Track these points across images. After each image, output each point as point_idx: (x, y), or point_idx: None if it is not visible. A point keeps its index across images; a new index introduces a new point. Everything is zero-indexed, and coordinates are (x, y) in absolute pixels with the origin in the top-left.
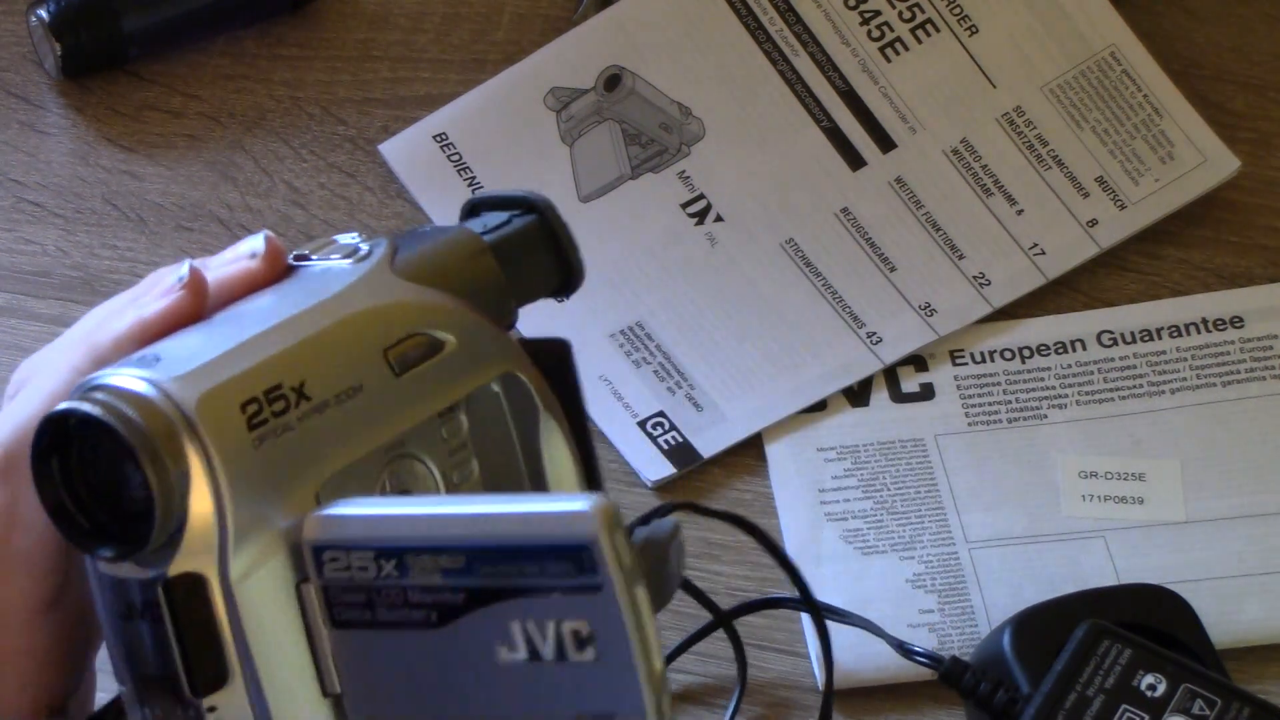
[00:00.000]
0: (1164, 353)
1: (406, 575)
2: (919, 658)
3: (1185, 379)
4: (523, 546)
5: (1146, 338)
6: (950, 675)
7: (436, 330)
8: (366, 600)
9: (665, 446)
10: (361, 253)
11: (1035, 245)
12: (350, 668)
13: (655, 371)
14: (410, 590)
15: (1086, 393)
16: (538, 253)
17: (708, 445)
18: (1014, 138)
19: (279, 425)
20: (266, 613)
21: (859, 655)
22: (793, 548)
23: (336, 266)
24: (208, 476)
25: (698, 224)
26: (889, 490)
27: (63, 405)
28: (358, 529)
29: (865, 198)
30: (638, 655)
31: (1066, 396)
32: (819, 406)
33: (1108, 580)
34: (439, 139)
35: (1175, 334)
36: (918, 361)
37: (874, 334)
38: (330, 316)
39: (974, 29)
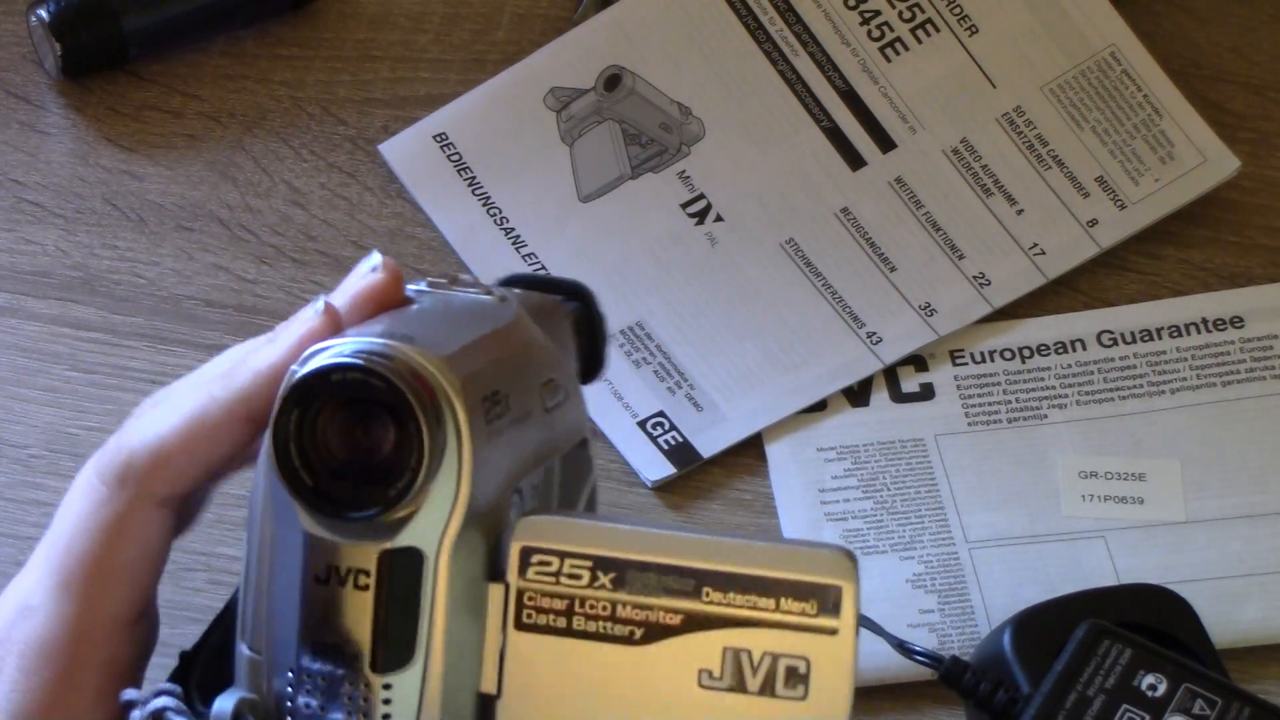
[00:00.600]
0: (1164, 353)
1: (622, 589)
2: (919, 658)
3: (1185, 379)
4: (767, 579)
5: (1146, 338)
6: (950, 675)
7: (561, 380)
8: (567, 608)
9: (665, 446)
10: (499, 294)
11: (1035, 245)
12: (518, 672)
13: (655, 371)
14: (620, 604)
15: (1086, 393)
16: (578, 337)
17: (708, 445)
18: (1014, 138)
19: (498, 427)
20: (460, 602)
21: (859, 655)
22: None
23: (484, 300)
24: (457, 457)
25: (698, 224)
26: (889, 490)
27: (342, 358)
28: (581, 536)
29: (865, 198)
30: (847, 700)
31: (1066, 396)
32: (819, 406)
33: (1108, 580)
34: (439, 139)
35: (1175, 334)
36: (918, 361)
37: (874, 334)
38: (514, 339)
39: (974, 29)
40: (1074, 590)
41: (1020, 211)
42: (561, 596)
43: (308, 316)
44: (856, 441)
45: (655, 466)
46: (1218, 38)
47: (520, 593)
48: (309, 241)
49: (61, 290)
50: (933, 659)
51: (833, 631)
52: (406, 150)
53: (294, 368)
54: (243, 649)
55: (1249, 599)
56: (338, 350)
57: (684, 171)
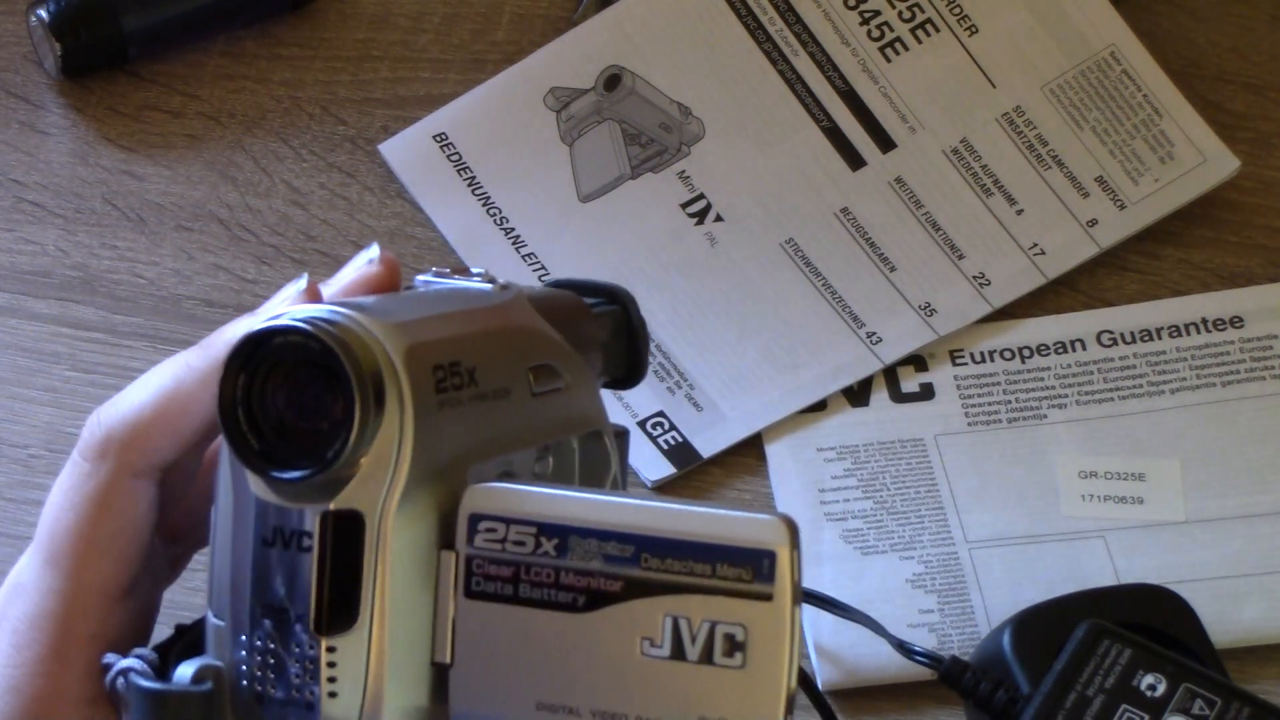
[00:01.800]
0: (1164, 353)
1: (565, 556)
2: (919, 658)
3: (1185, 379)
4: (702, 544)
5: (1146, 338)
6: (950, 675)
7: (562, 369)
8: (513, 575)
9: (665, 446)
10: (501, 283)
11: (1035, 245)
12: (468, 641)
13: (655, 371)
14: (564, 571)
15: (1086, 393)
16: (616, 341)
17: (707, 445)
18: (1014, 138)
19: (455, 398)
20: (405, 568)
21: (859, 655)
22: None
23: (480, 287)
24: (398, 422)
25: (698, 224)
26: (889, 490)
27: (285, 321)
28: (526, 504)
29: (865, 198)
30: (785, 670)
31: (1066, 396)
32: (819, 406)
33: (1108, 580)
34: (439, 139)
35: (1175, 334)
36: (918, 361)
37: (874, 334)
38: (496, 320)
39: (974, 29)
40: (1074, 590)
41: (1020, 211)
42: (508, 564)
43: (290, 294)
44: (856, 441)
45: (655, 466)
46: (1218, 38)
47: (469, 560)
48: (309, 241)
49: (61, 290)
50: (933, 659)
51: (767, 597)
52: (406, 150)
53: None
54: (210, 617)
55: (1249, 599)
56: (287, 315)
57: (684, 171)
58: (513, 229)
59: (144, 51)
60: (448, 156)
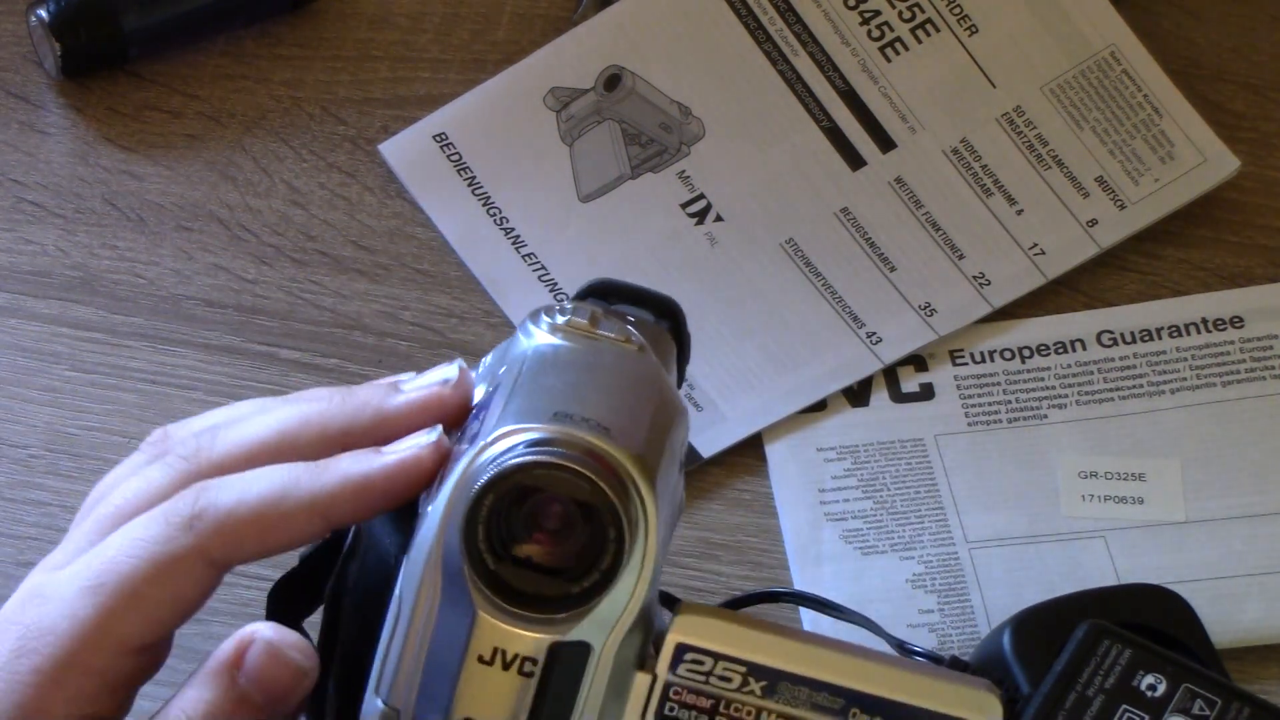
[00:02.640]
0: (1164, 353)
1: (771, 697)
2: (919, 657)
3: (1185, 379)
4: (913, 709)
5: (1146, 338)
6: None
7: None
8: (711, 708)
9: None
10: (635, 340)
11: (1035, 245)
12: None
13: None
14: (766, 712)
15: (1086, 393)
16: (665, 359)
17: (707, 445)
18: (1014, 138)
19: (665, 517)
20: (611, 690)
21: None
22: (793, 548)
23: (630, 353)
24: (642, 558)
25: (698, 224)
26: (889, 490)
27: (551, 455)
28: (740, 642)
29: (865, 198)
30: None
31: (1066, 396)
32: (819, 406)
33: (1108, 580)
34: (439, 139)
35: (1175, 334)
36: (918, 361)
37: (874, 334)
38: (668, 412)
39: (974, 29)
40: (1074, 590)
41: (1020, 211)
42: (709, 696)
43: (421, 441)
44: (856, 441)
45: None
46: (1218, 38)
47: (667, 686)
48: (309, 241)
49: (61, 290)
50: (933, 659)
51: None
52: (406, 150)
53: (495, 452)
54: (376, 701)
55: (1249, 599)
56: (540, 441)
57: (684, 171)
58: (512, 229)
59: (144, 51)
60: (448, 156)
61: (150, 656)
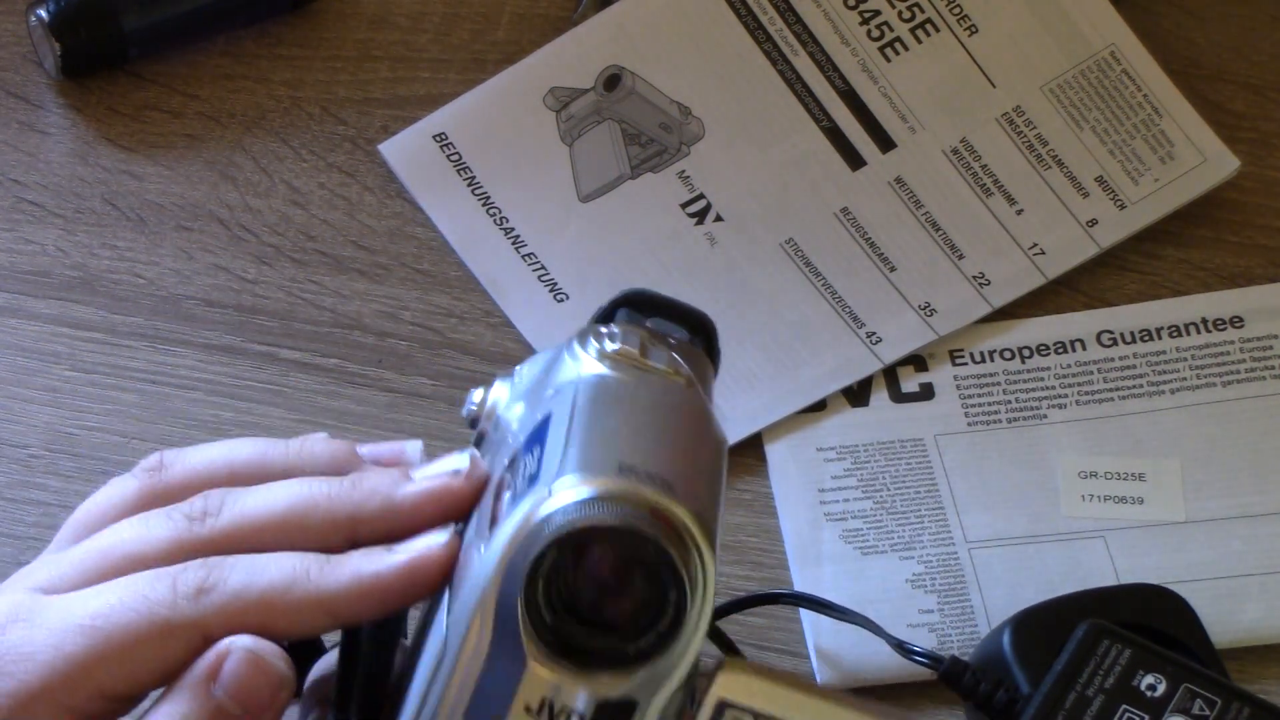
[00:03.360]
0: (1164, 353)
1: None
2: (919, 658)
3: (1185, 379)
4: None
5: (1146, 338)
6: (950, 675)
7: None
8: None
9: None
10: (683, 374)
11: (1035, 245)
12: None
13: None
14: None
15: (1086, 393)
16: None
17: None
18: (1014, 138)
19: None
20: None
21: (859, 655)
22: (792, 548)
23: (678, 387)
24: (698, 618)
25: (698, 224)
26: (889, 490)
27: (618, 518)
28: (782, 702)
29: (865, 198)
30: None
31: (1066, 396)
32: (819, 406)
33: (1108, 580)
34: (439, 139)
35: (1175, 334)
36: (917, 361)
37: (874, 334)
38: (717, 458)
39: (974, 29)
40: (1074, 590)
41: (1020, 211)
42: None
43: (432, 543)
44: (856, 441)
45: None
46: (1218, 38)
47: None
48: (309, 241)
49: (61, 290)
50: (932, 659)
51: None
52: (406, 150)
53: (560, 504)
54: None
55: (1249, 599)
56: (606, 496)
57: (684, 171)
58: (512, 229)
59: (144, 51)
60: (448, 156)
61: (120, 706)
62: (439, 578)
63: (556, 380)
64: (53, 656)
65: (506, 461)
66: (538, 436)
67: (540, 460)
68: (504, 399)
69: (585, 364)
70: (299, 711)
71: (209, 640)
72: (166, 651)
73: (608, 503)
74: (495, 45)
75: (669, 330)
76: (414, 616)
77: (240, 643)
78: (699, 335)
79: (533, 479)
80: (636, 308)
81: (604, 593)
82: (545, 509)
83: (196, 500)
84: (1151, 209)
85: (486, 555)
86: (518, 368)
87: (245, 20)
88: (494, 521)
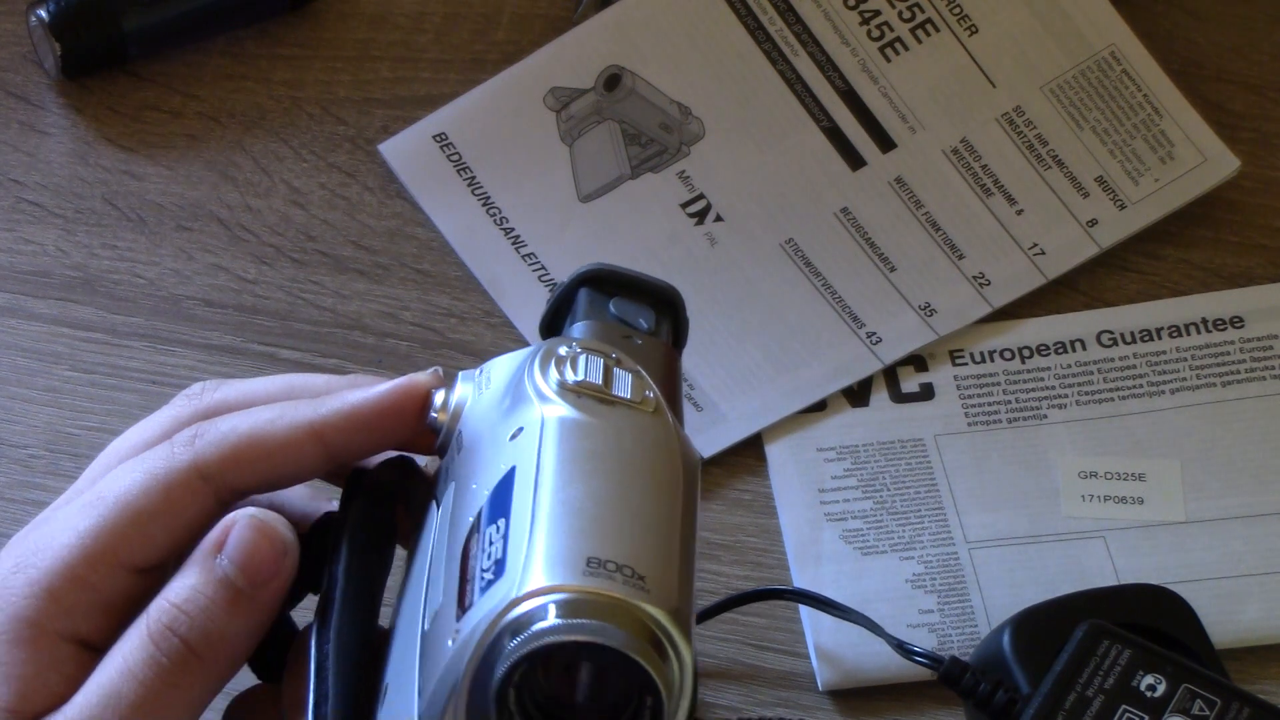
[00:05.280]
0: (1164, 353)
1: None
2: (919, 658)
3: (1185, 379)
4: None
5: (1146, 338)
6: (950, 675)
7: None
8: None
9: None
10: (651, 400)
11: (1035, 245)
12: None
13: None
14: None
15: (1086, 393)
16: (671, 375)
17: (707, 445)
18: (1014, 138)
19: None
20: None
21: (859, 655)
22: (793, 548)
23: (646, 420)
24: (676, 712)
25: (698, 224)
26: (889, 490)
27: (591, 636)
28: None
29: (865, 198)
30: None
31: (1066, 396)
32: (819, 406)
33: (1108, 580)
34: (439, 139)
35: (1175, 334)
36: (917, 361)
37: (874, 334)
38: (691, 511)
39: (974, 29)
40: (1074, 590)
41: (1020, 211)
42: None
43: (418, 375)
44: (856, 441)
45: None
46: (1218, 38)
47: None
48: (309, 241)
49: (61, 290)
50: (932, 659)
51: None
52: (406, 150)
53: (528, 612)
54: None
55: (1249, 599)
56: (575, 605)
57: (684, 171)
58: (512, 229)
59: (144, 51)
60: (448, 156)
61: (147, 580)
62: (423, 405)
63: (521, 414)
64: (69, 538)
65: (471, 519)
66: (502, 499)
67: (506, 538)
68: (469, 398)
69: (549, 401)
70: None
71: (209, 480)
72: (173, 505)
73: (577, 616)
74: (495, 45)
75: (633, 317)
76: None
77: (245, 512)
78: (664, 310)
79: (499, 565)
80: (598, 286)
81: (578, 699)
82: (513, 615)
83: (194, 388)
84: (1151, 209)
85: (454, 656)
86: (484, 366)
87: (245, 20)
88: (462, 602)
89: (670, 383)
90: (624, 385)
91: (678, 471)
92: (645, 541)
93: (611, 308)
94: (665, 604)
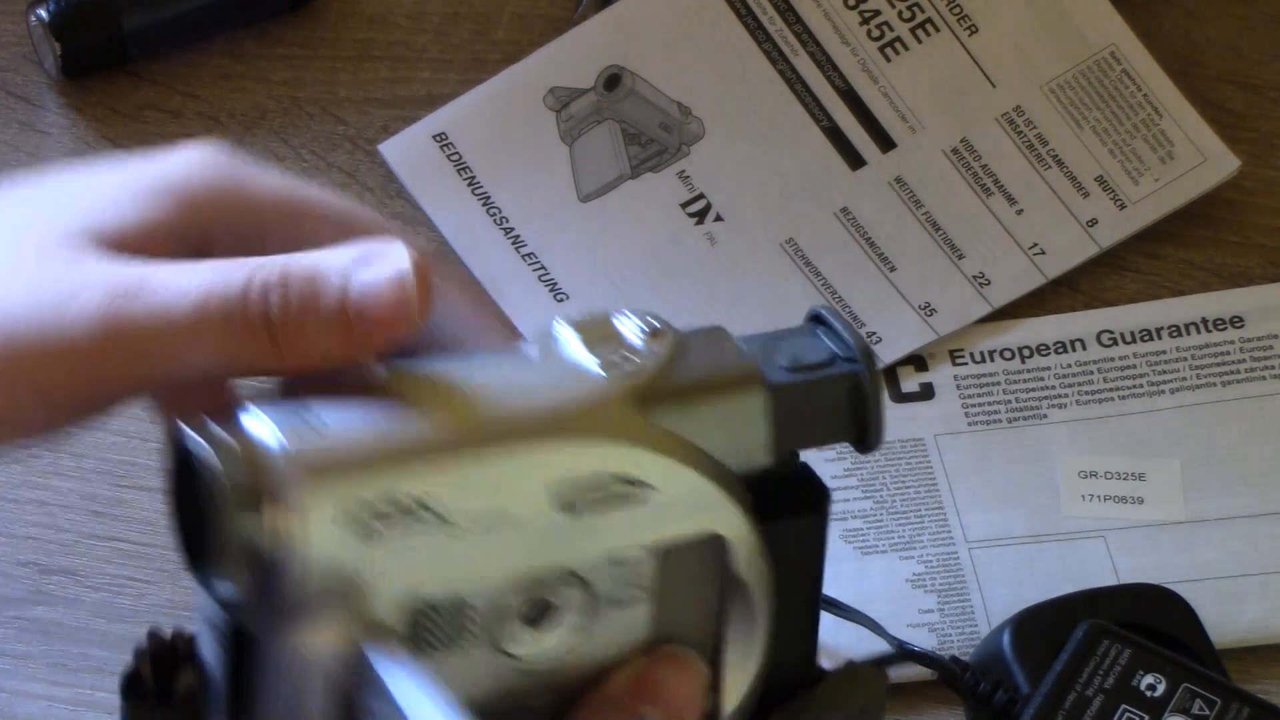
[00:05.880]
0: (1164, 353)
1: None
2: (919, 658)
3: (1185, 379)
4: None
5: (1146, 337)
6: (950, 675)
7: (646, 479)
8: None
9: None
10: (627, 366)
11: (1035, 245)
12: None
13: None
14: None
15: (1086, 393)
16: (841, 407)
17: None
18: (1014, 137)
19: (386, 536)
20: None
21: (859, 655)
22: None
23: (580, 368)
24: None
25: (698, 224)
26: (889, 490)
27: (184, 440)
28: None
29: (865, 198)
30: None
31: (1066, 396)
32: None
33: (1108, 580)
34: (439, 139)
35: (1175, 334)
36: (918, 361)
37: (874, 334)
38: (522, 439)
39: (974, 29)
40: (1074, 590)
41: (1020, 211)
42: None
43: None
44: None
45: None
46: (1218, 38)
47: None
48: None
49: None
50: (933, 659)
51: None
52: (406, 150)
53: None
54: None
55: (1249, 599)
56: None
57: (684, 171)
58: (512, 229)
59: (144, 51)
60: (447, 156)
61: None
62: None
63: None
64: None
65: None
66: None
67: None
68: None
69: None
70: None
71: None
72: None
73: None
74: (495, 45)
75: (820, 352)
76: None
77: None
78: (853, 361)
79: None
80: (819, 320)
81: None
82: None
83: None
84: (1151, 209)
85: None
86: None
87: (245, 20)
88: None
89: None
90: (608, 341)
91: (550, 421)
92: (359, 418)
93: None
94: (299, 463)
